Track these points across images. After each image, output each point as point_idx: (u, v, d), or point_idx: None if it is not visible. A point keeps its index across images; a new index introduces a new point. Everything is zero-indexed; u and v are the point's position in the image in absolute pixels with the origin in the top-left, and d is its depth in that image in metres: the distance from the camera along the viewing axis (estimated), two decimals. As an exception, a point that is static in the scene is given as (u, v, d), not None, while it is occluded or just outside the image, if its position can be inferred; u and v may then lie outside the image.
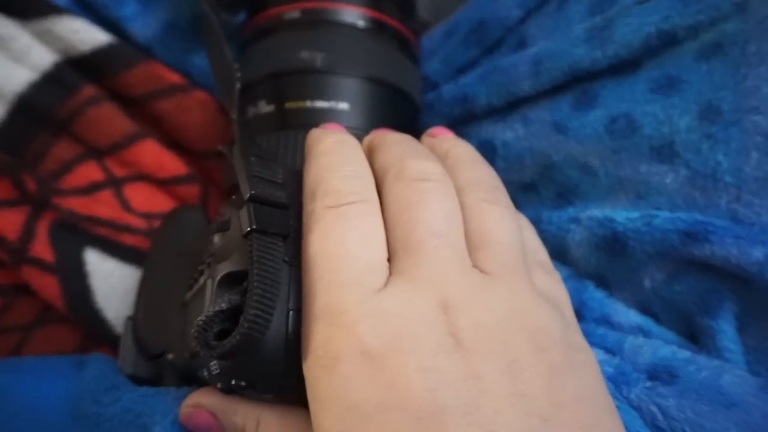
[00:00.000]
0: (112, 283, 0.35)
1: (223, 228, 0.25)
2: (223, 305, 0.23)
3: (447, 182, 0.27)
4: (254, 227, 0.23)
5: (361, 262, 0.24)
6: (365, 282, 0.24)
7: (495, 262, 0.25)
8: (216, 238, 0.26)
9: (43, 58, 0.37)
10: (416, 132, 0.36)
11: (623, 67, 0.33)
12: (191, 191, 0.39)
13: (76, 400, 0.29)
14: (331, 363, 0.22)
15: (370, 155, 0.29)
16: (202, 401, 0.27)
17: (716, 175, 0.30)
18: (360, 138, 0.30)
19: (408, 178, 0.26)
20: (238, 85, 0.28)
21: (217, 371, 0.24)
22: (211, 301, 0.24)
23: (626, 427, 0.24)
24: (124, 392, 0.29)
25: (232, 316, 0.23)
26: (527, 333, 0.23)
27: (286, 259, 0.24)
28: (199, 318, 0.23)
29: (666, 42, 0.32)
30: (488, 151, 0.36)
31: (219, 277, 0.25)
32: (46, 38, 0.38)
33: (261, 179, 0.25)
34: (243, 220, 0.24)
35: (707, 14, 0.31)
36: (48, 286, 0.34)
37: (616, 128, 0.32)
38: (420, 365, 0.22)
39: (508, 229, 0.26)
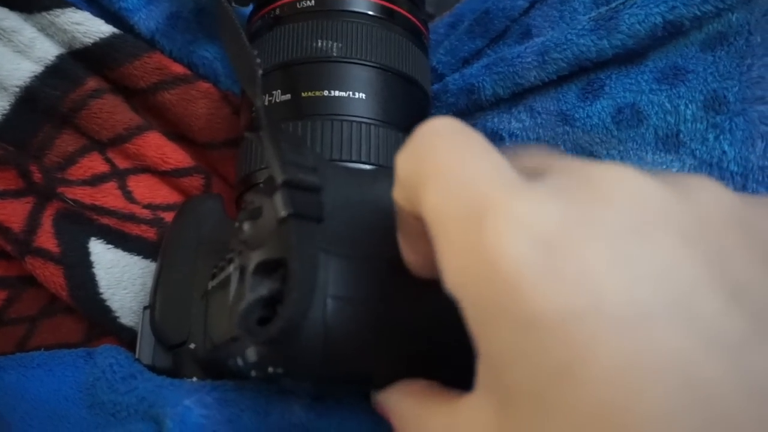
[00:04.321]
0: (116, 273, 0.35)
1: (254, 216, 0.25)
2: (264, 292, 0.23)
3: None
4: (291, 212, 0.23)
5: None
6: None
7: None
8: (246, 226, 0.25)
9: (47, 50, 0.37)
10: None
11: (629, 57, 0.33)
12: (195, 183, 0.39)
13: (89, 388, 0.29)
14: None
15: None
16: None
17: (722, 165, 0.30)
18: (372, 129, 0.30)
19: None
20: (260, 72, 0.28)
21: (255, 359, 0.24)
22: (250, 289, 0.23)
23: None
24: (141, 381, 0.28)
25: (269, 303, 0.23)
26: None
27: (323, 245, 0.24)
28: (241, 305, 0.23)
29: (672, 32, 0.32)
30: (496, 142, 0.36)
31: (254, 265, 0.24)
32: (50, 31, 0.37)
33: (293, 164, 0.24)
34: (278, 205, 0.23)
35: (712, 4, 0.31)
36: (53, 277, 0.34)
37: (622, 118, 0.33)
38: None
39: None
